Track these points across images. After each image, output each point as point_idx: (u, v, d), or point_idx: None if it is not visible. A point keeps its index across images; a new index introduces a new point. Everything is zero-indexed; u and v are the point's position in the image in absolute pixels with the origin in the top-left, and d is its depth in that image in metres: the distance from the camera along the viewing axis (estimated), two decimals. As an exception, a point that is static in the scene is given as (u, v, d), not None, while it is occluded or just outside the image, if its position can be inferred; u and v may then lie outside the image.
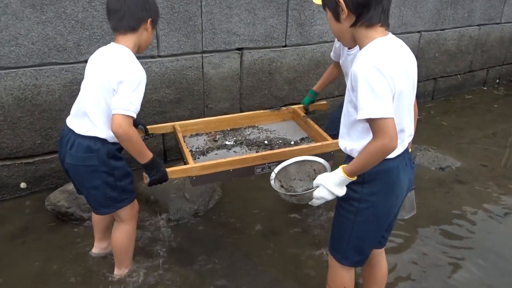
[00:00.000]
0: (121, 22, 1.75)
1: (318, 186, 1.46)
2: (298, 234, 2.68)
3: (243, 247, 2.54)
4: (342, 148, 1.53)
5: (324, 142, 2.27)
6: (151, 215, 2.81)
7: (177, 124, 2.54)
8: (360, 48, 1.39)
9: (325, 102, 2.96)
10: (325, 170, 1.65)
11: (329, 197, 1.44)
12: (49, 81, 2.88)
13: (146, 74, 1.80)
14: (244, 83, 3.75)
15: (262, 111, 2.74)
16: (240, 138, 2.52)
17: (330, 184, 1.41)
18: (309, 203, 1.50)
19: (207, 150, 2.37)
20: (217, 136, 2.52)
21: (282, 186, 1.72)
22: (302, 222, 2.79)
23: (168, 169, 1.93)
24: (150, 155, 1.83)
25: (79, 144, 1.85)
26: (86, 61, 1.89)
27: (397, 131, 1.30)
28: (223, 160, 2.08)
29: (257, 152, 2.31)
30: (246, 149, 2.40)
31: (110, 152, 1.86)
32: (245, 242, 2.60)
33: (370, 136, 1.34)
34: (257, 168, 2.15)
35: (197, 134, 2.58)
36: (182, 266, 2.37)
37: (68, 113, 1.98)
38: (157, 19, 1.88)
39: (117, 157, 1.92)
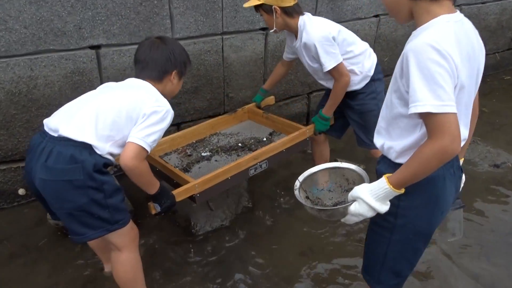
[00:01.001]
0: (143, 72, 1.75)
1: (354, 200, 1.24)
2: (340, 249, 2.30)
3: (279, 266, 2.18)
4: (378, 146, 1.33)
5: (301, 130, 2.43)
6: (172, 230, 2.44)
7: None
8: (418, 26, 1.17)
9: (272, 96, 2.95)
10: (361, 181, 1.40)
11: (369, 213, 1.22)
12: (47, 72, 2.44)
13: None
14: (269, 68, 3.31)
15: (220, 116, 2.78)
16: (212, 147, 2.53)
17: (371, 198, 1.19)
18: (342, 220, 1.29)
19: (188, 166, 2.34)
20: (188, 151, 2.49)
21: (307, 197, 1.49)
22: (344, 231, 2.41)
23: (173, 192, 1.84)
24: (158, 184, 1.70)
25: (59, 154, 1.49)
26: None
27: None
28: (220, 170, 2.06)
29: (238, 156, 2.41)
30: (225, 155, 2.43)
31: (97, 165, 1.53)
32: (280, 260, 2.24)
33: (415, 135, 1.18)
34: (250, 169, 2.21)
35: (165, 154, 2.49)
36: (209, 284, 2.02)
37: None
38: (185, 69, 1.84)
39: (103, 172, 1.56)
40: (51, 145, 1.52)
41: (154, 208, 1.78)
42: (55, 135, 1.54)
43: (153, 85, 1.73)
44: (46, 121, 1.63)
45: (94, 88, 2.66)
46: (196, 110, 3.16)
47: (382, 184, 1.17)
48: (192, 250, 2.29)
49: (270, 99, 2.92)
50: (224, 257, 2.26)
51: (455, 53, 1.06)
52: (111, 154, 1.61)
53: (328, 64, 2.19)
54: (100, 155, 1.55)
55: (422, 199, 1.25)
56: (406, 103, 1.14)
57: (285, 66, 2.66)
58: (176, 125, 3.13)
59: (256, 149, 2.41)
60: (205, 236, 2.40)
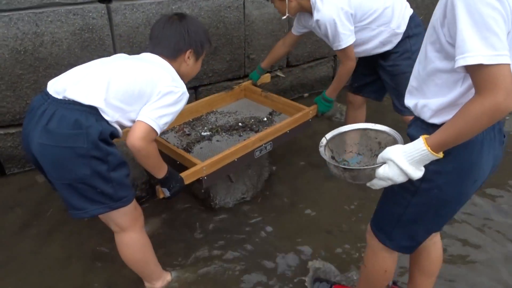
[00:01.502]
0: (156, 48, 1.62)
1: (385, 162, 1.11)
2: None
3: (302, 244, 2.04)
4: (411, 106, 1.21)
5: (304, 111, 2.31)
6: (191, 204, 2.30)
7: None
8: None
9: (268, 74, 2.77)
10: (395, 144, 1.24)
11: (400, 178, 1.09)
12: (53, 28, 2.23)
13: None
14: (294, 27, 3.02)
15: (216, 94, 2.61)
16: (211, 126, 2.40)
17: (404, 161, 1.06)
18: (368, 184, 1.18)
19: (189, 146, 2.21)
20: (186, 130, 2.35)
21: (333, 157, 1.38)
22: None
23: (181, 175, 1.72)
24: (166, 167, 1.59)
25: (63, 117, 1.34)
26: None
27: None
28: (228, 151, 1.96)
29: (240, 136, 2.31)
30: (226, 135, 2.32)
31: (104, 133, 1.38)
32: (304, 238, 2.10)
33: (455, 92, 1.05)
34: (256, 151, 2.11)
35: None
36: (229, 264, 1.90)
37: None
38: (201, 50, 1.69)
39: (109, 143, 1.41)
40: (54, 107, 1.36)
41: (163, 192, 1.65)
42: (60, 97, 1.38)
43: (168, 61, 1.60)
44: (51, 83, 1.46)
45: (106, 47, 2.48)
46: (214, 72, 2.94)
47: (419, 145, 1.04)
48: (211, 224, 2.16)
49: (266, 77, 2.76)
50: (243, 233, 2.12)
51: None
52: (120, 125, 1.45)
53: (336, 45, 2.09)
54: (107, 123, 1.39)
55: (454, 164, 1.12)
56: (446, 55, 1.03)
57: (287, 46, 2.50)
58: (193, 88, 2.93)
59: (258, 129, 2.34)
60: (224, 209, 2.25)
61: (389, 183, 1.11)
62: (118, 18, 2.40)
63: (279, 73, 3.28)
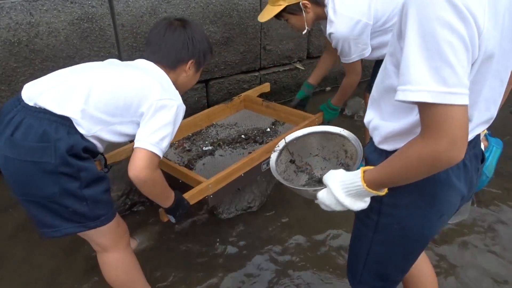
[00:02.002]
0: (153, 55, 1.46)
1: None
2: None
3: (311, 261, 1.83)
4: (365, 122, 1.08)
5: (310, 119, 2.17)
6: (192, 210, 2.11)
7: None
8: None
9: (267, 83, 2.62)
10: (355, 160, 1.19)
11: (338, 207, 0.99)
12: (49, 18, 2.06)
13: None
14: (316, 15, 2.74)
15: (215, 106, 2.43)
16: (212, 140, 2.24)
17: (340, 191, 0.97)
18: (316, 202, 1.06)
19: (190, 162, 2.04)
20: (185, 145, 2.20)
21: (292, 161, 1.30)
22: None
23: (185, 195, 1.58)
24: (173, 195, 1.45)
25: (30, 127, 1.19)
26: None
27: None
28: (233, 166, 1.80)
29: (244, 149, 2.15)
30: (229, 149, 2.16)
31: (75, 147, 1.21)
32: (313, 255, 1.88)
33: (408, 119, 0.90)
34: (263, 164, 1.96)
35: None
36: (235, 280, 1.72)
37: (80, 61, 1.40)
38: (203, 61, 1.54)
39: (81, 157, 1.24)
40: (22, 115, 1.20)
41: (166, 216, 1.52)
42: (31, 103, 1.21)
43: (165, 72, 1.44)
44: (27, 86, 1.30)
45: (107, 37, 2.31)
46: (227, 64, 2.72)
47: (356, 179, 0.93)
48: (213, 235, 1.98)
49: (266, 86, 2.61)
50: (248, 246, 1.93)
51: (481, 9, 0.73)
52: (98, 139, 1.27)
53: (346, 59, 1.90)
54: (81, 136, 1.22)
55: (413, 197, 0.99)
56: None
57: (333, 52, 2.17)
58: (203, 82, 2.72)
59: (262, 141, 2.20)
60: (229, 219, 2.06)
61: (330, 209, 1.00)
62: (120, 6, 2.20)
63: (298, 65, 3.02)
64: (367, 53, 1.85)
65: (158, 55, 1.44)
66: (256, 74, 2.90)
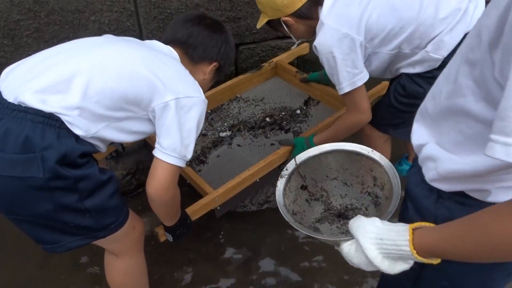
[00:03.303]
0: (176, 40, 1.21)
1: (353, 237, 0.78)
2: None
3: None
4: (414, 141, 0.79)
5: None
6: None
7: None
8: None
9: (306, 44, 2.20)
10: (390, 194, 0.91)
11: (369, 268, 0.75)
12: (55, -37, 1.77)
13: None
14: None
15: (241, 76, 2.09)
16: (232, 121, 1.94)
17: (375, 253, 0.71)
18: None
19: (203, 153, 1.77)
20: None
21: (304, 187, 1.03)
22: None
23: (187, 210, 1.37)
24: (180, 214, 1.27)
25: (8, 132, 0.94)
26: None
27: None
28: (247, 172, 1.54)
29: (266, 138, 1.84)
30: (250, 137, 1.85)
31: (69, 155, 0.97)
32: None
33: (484, 160, 0.60)
34: (283, 165, 1.67)
35: None
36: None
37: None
38: (224, 68, 1.31)
39: (78, 165, 1.00)
40: (1, 115, 0.95)
41: (165, 235, 1.34)
42: (11, 99, 0.96)
43: (183, 60, 1.22)
44: (5, 72, 1.06)
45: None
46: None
47: (401, 240, 0.68)
48: (220, 234, 1.76)
49: (303, 48, 2.22)
50: (264, 247, 1.70)
51: None
52: (100, 140, 1.05)
53: (340, 86, 1.40)
54: (77, 139, 0.98)
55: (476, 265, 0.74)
56: (487, 96, 0.59)
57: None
58: (232, 47, 2.39)
59: (288, 128, 1.87)
60: (243, 215, 1.83)
61: (357, 266, 0.78)
62: (138, -48, 1.87)
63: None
64: (360, 81, 1.37)
65: (182, 42, 1.21)
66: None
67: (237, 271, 1.63)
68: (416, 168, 0.81)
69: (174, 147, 1.06)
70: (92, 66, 1.00)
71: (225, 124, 1.91)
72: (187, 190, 1.73)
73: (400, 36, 1.33)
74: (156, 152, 1.08)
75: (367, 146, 1.65)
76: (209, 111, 1.99)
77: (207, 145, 1.80)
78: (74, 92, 0.96)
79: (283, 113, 1.95)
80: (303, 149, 1.56)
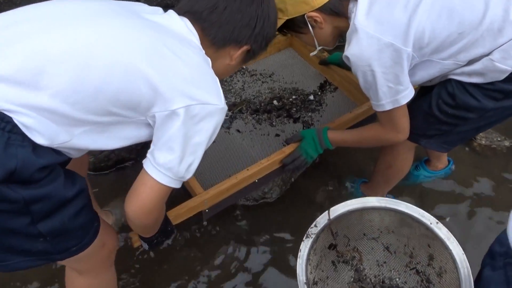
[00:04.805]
0: (196, 14, 0.89)
1: None
2: None
3: None
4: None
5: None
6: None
7: None
8: None
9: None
10: (453, 273, 0.69)
11: None
12: None
13: None
14: None
15: None
16: (234, 98, 1.67)
17: None
18: None
19: None
20: None
21: (333, 246, 0.83)
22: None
23: (170, 213, 1.19)
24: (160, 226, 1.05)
25: None
26: None
27: None
28: (245, 172, 1.30)
29: (272, 125, 1.58)
30: (253, 122, 1.59)
31: (21, 172, 0.72)
32: None
33: None
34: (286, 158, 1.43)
35: None
36: None
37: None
38: (258, 51, 1.00)
39: (33, 181, 0.75)
40: None
41: (140, 241, 1.12)
42: None
43: (205, 41, 0.91)
44: None
45: None
46: None
47: None
48: (217, 228, 1.56)
49: None
50: (257, 254, 1.51)
51: None
52: (74, 148, 0.81)
53: (379, 103, 1.13)
54: (36, 147, 0.73)
55: None
56: None
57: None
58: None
59: (298, 117, 1.60)
60: (240, 211, 1.61)
61: None
62: None
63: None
64: (404, 100, 1.12)
65: (202, 18, 0.89)
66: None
67: (224, 275, 1.45)
68: (498, 262, 0.60)
69: (170, 165, 0.82)
70: (72, 51, 0.72)
71: (226, 101, 1.63)
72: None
73: (457, 43, 1.06)
74: (146, 164, 0.84)
75: (390, 153, 1.44)
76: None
77: (202, 126, 1.54)
78: (41, 86, 0.70)
79: (293, 97, 1.67)
80: (314, 143, 1.34)
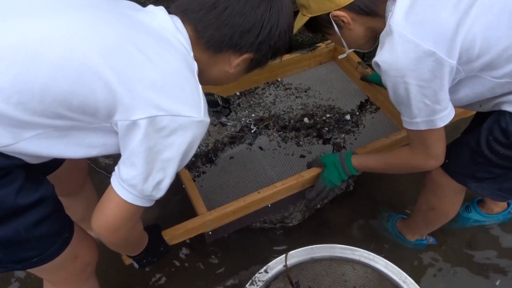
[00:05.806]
0: (189, 5, 0.81)
1: None
2: None
3: None
4: None
5: None
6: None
7: None
8: None
9: None
10: None
11: None
12: None
13: None
14: None
15: (290, 55, 1.61)
16: (262, 112, 1.54)
17: None
18: None
19: (214, 151, 1.42)
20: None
21: None
22: None
23: (165, 233, 1.08)
24: (146, 243, 0.97)
25: None
26: None
27: None
28: (256, 196, 1.17)
29: (298, 145, 1.43)
30: (278, 139, 1.46)
31: None
32: None
33: None
34: (309, 189, 1.30)
35: None
36: None
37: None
38: (265, 62, 0.90)
39: None
40: None
41: (128, 259, 1.05)
42: None
43: (198, 44, 0.81)
44: None
45: None
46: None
47: None
48: (220, 253, 1.44)
49: None
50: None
51: None
52: (24, 154, 0.72)
53: (411, 120, 0.96)
54: None
55: None
56: None
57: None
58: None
59: (330, 138, 1.45)
60: (256, 234, 1.48)
61: None
62: None
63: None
64: (442, 122, 0.93)
65: (200, 19, 0.79)
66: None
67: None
68: None
69: (133, 182, 0.73)
70: (21, 45, 0.64)
71: (253, 115, 1.52)
72: (181, 197, 1.42)
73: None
74: (112, 178, 0.76)
75: (433, 194, 1.22)
76: (238, 93, 1.60)
77: (222, 139, 1.44)
78: None
79: (327, 115, 1.52)
80: (337, 171, 1.18)
